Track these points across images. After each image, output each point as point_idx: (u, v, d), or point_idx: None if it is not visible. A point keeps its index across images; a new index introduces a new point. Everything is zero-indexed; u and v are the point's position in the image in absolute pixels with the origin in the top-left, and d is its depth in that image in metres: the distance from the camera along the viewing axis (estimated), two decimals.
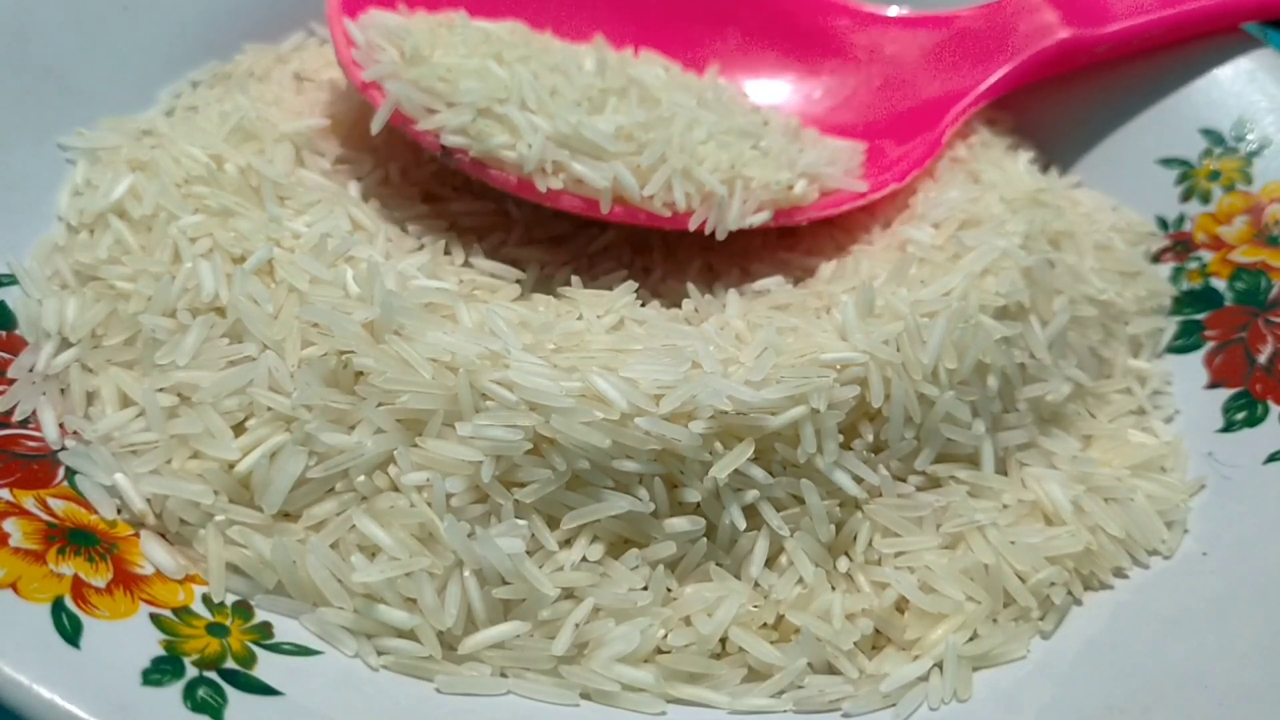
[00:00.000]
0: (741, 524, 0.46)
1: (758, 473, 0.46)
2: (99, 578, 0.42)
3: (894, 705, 0.44)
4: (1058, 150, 0.67)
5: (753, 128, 0.60)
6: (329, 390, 0.46)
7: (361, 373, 0.46)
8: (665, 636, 0.44)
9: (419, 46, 0.56)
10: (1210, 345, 0.58)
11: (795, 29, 0.69)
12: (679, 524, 0.45)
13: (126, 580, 0.42)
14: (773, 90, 0.70)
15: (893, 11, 0.70)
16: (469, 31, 0.59)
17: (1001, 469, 0.50)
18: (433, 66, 0.55)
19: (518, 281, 0.55)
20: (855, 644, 0.45)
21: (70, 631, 0.39)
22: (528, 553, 0.44)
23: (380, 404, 0.45)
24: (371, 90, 0.56)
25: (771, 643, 0.45)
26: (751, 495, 0.46)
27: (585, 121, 0.54)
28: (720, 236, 0.56)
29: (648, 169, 0.55)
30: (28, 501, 0.44)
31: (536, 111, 0.55)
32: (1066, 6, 0.64)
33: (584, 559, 0.44)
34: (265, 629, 0.43)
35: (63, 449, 0.46)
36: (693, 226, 0.56)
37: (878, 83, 0.68)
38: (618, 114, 0.57)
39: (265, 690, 0.40)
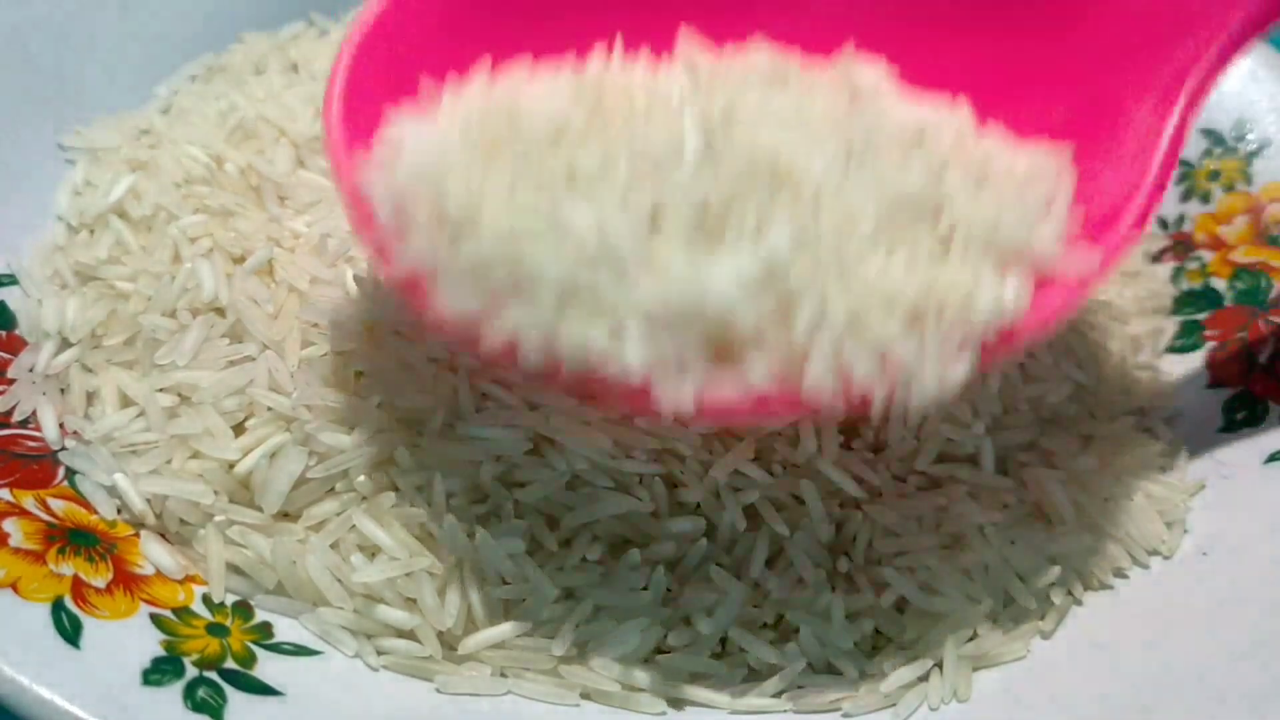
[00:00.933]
0: (741, 524, 0.46)
1: (757, 473, 0.46)
2: (99, 578, 0.42)
3: (894, 705, 0.44)
4: None
5: (928, 189, 0.42)
6: (329, 390, 0.46)
7: (361, 372, 0.46)
8: (665, 636, 0.44)
9: (465, 203, 0.38)
10: (1210, 345, 0.58)
11: None
12: (679, 524, 0.45)
13: (126, 580, 0.42)
14: (910, 48, 0.49)
15: None
16: (526, 138, 0.41)
17: (1001, 469, 0.50)
18: (487, 236, 0.38)
19: None
20: (855, 644, 0.45)
21: (70, 631, 0.39)
22: (528, 553, 0.44)
23: (380, 403, 0.45)
24: (412, 286, 0.39)
25: (771, 643, 0.45)
26: (751, 495, 0.46)
27: (713, 282, 0.37)
28: (915, 413, 0.40)
29: (805, 339, 0.37)
30: (28, 501, 0.44)
31: (635, 270, 0.37)
32: None
33: (584, 559, 0.44)
34: (265, 629, 0.43)
35: (63, 449, 0.46)
36: (876, 410, 0.38)
37: (1053, 24, 0.49)
38: (742, 238, 0.38)
39: (265, 690, 0.40)
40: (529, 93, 0.44)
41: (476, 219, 0.38)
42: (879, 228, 0.40)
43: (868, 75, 0.48)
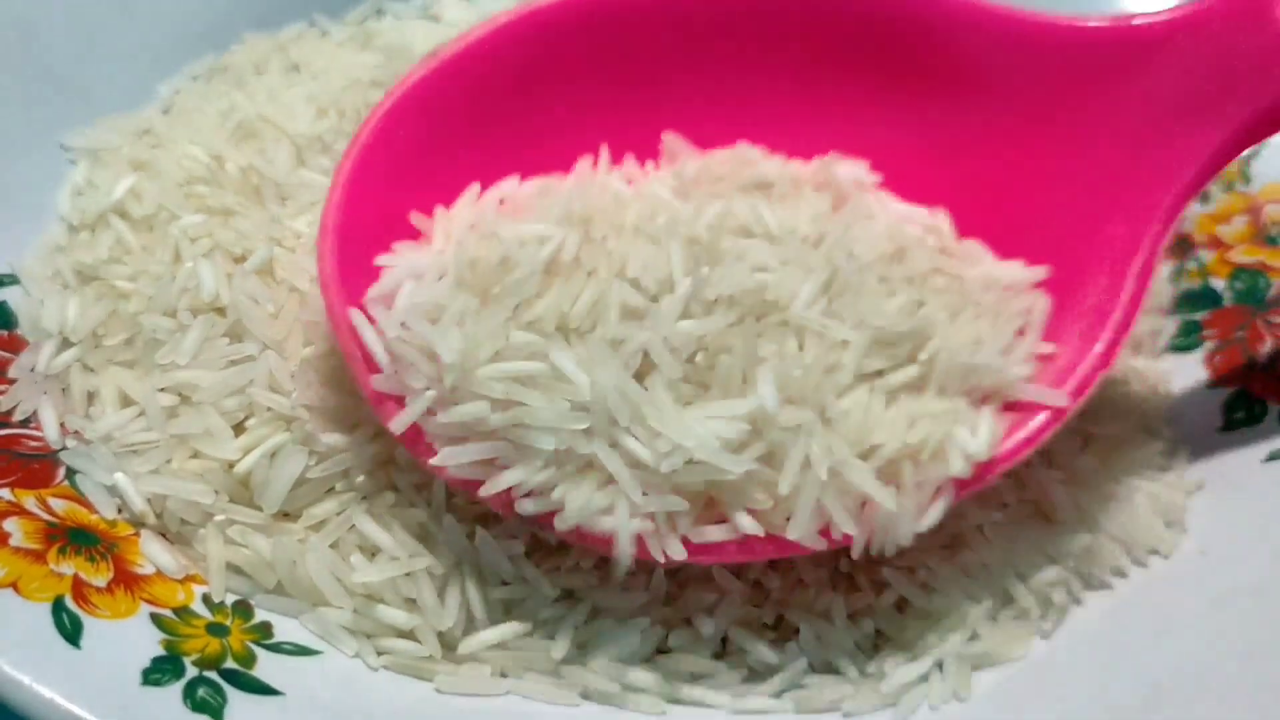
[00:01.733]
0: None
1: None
2: (99, 577, 0.42)
3: (894, 705, 0.44)
4: None
5: (906, 322, 0.43)
6: (329, 390, 0.46)
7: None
8: (665, 636, 0.44)
9: (460, 359, 0.40)
10: (1209, 345, 0.58)
11: (907, 47, 0.50)
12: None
13: (127, 580, 0.42)
14: (886, 148, 0.51)
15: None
16: (517, 279, 0.42)
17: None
18: (480, 390, 0.40)
19: None
20: (855, 644, 0.45)
21: (70, 631, 0.39)
22: (526, 553, 0.44)
23: None
24: (411, 437, 0.42)
25: (771, 643, 0.45)
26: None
27: (701, 440, 0.39)
28: (890, 551, 0.42)
29: (789, 496, 0.40)
30: (28, 501, 0.44)
31: (628, 427, 0.40)
32: None
33: (578, 564, 0.44)
34: (265, 629, 0.43)
35: (63, 448, 0.46)
36: (856, 553, 0.42)
37: (1032, 139, 0.49)
38: (729, 387, 0.41)
39: (265, 690, 0.40)
40: (519, 219, 0.45)
41: (471, 373, 0.40)
42: (860, 364, 0.42)
43: (850, 173, 0.50)
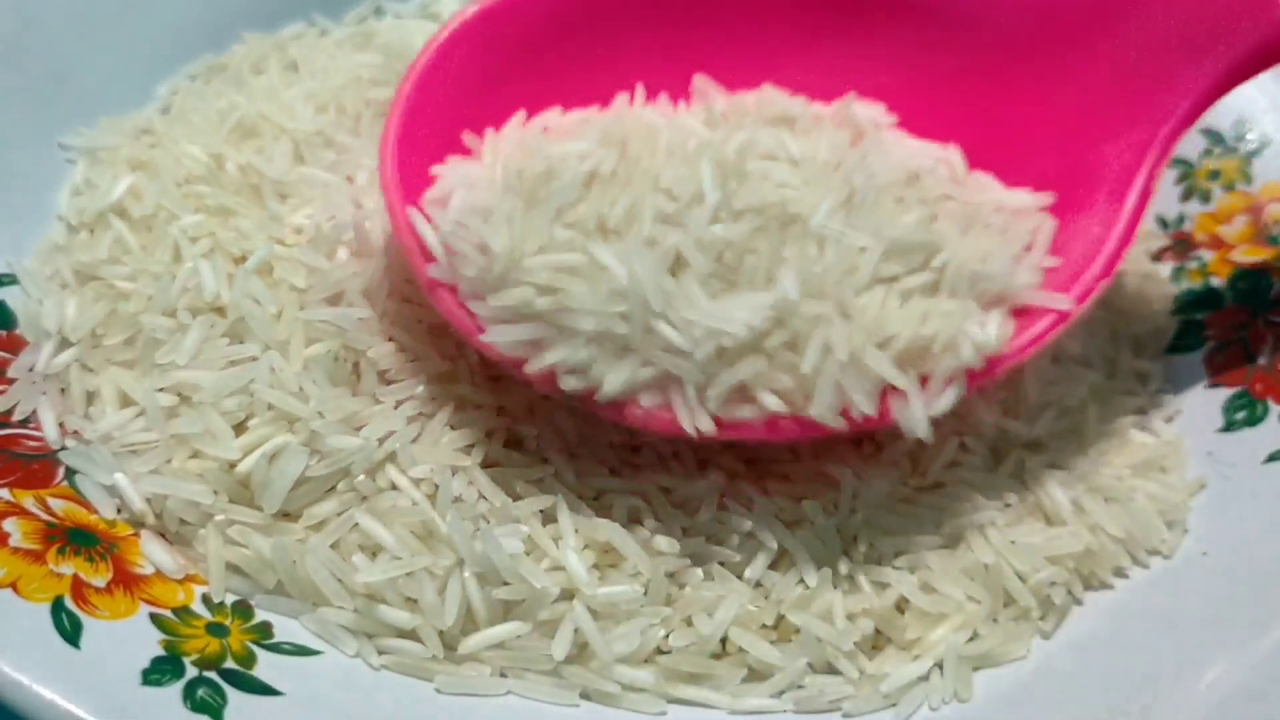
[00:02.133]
0: (745, 526, 0.46)
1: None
2: (99, 577, 0.42)
3: (894, 705, 0.44)
4: None
5: (920, 233, 0.46)
6: (332, 389, 0.46)
7: (357, 364, 0.46)
8: (666, 637, 0.44)
9: (509, 250, 0.44)
10: (1210, 345, 0.58)
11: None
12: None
13: (126, 580, 0.42)
14: (900, 89, 0.54)
15: None
16: (561, 186, 0.46)
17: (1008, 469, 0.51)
18: (527, 278, 0.43)
19: None
20: (855, 644, 0.45)
21: (70, 631, 0.39)
22: (526, 553, 0.44)
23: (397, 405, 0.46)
24: (461, 315, 0.45)
25: (771, 643, 0.45)
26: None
27: (724, 320, 0.42)
28: (918, 434, 0.44)
29: (810, 376, 0.43)
30: (28, 501, 0.44)
31: (661, 315, 0.42)
32: None
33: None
34: (265, 629, 0.43)
35: (63, 449, 0.46)
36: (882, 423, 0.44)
37: (1039, 81, 0.53)
38: (755, 283, 0.44)
39: (265, 690, 0.40)
40: (562, 139, 0.49)
41: (518, 263, 0.43)
42: (877, 268, 0.45)
43: (867, 113, 0.53)
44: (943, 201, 0.49)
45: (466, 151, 0.50)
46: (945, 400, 0.44)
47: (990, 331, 0.45)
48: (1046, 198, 0.50)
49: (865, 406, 0.43)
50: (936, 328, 0.44)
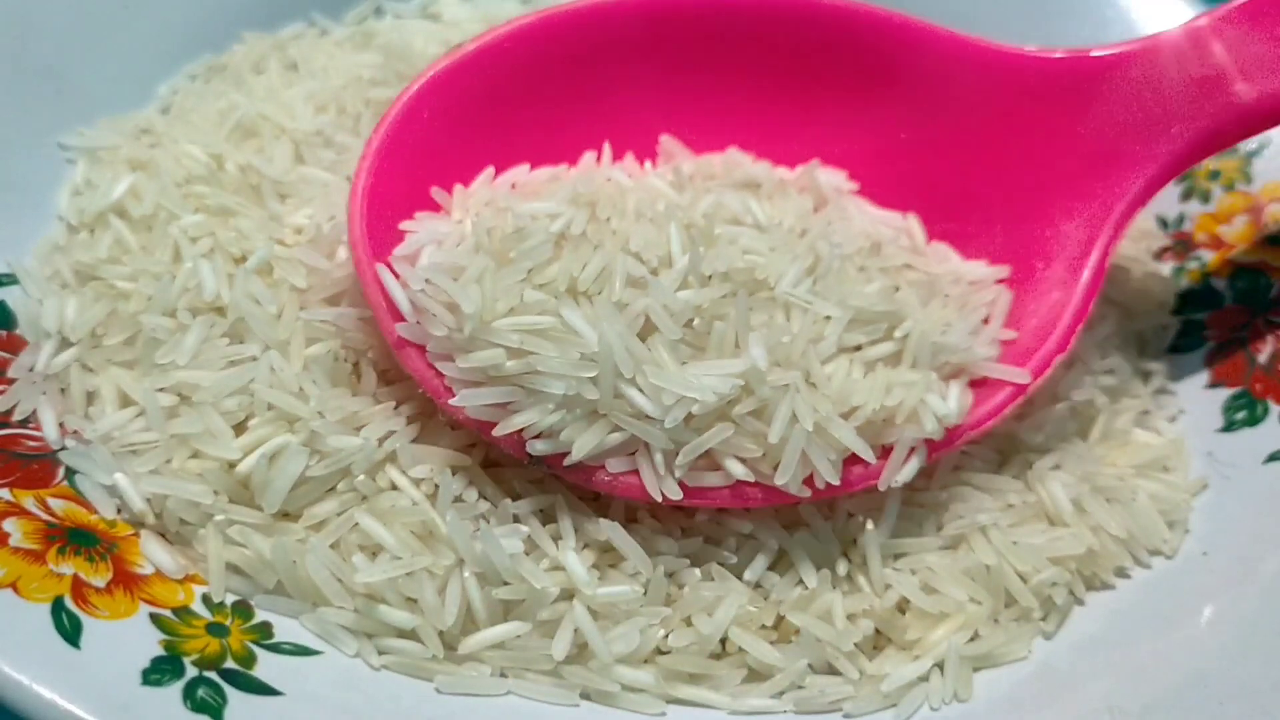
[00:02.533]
0: (745, 528, 0.46)
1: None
2: (99, 577, 0.42)
3: (895, 705, 0.44)
4: None
5: (883, 304, 0.48)
6: (332, 389, 0.46)
7: (357, 364, 0.46)
8: (666, 637, 0.44)
9: (479, 310, 0.43)
10: (1210, 345, 0.58)
11: (884, 69, 0.55)
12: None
13: (126, 580, 0.42)
14: (858, 156, 0.55)
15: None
16: (531, 246, 0.46)
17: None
18: (497, 340, 0.43)
19: None
20: (856, 644, 0.45)
21: (70, 631, 0.39)
22: (526, 554, 0.44)
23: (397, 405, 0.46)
24: (429, 376, 0.45)
25: (771, 643, 0.45)
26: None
27: (693, 388, 0.43)
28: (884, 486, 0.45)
29: (777, 446, 0.44)
30: (28, 501, 0.44)
31: (631, 379, 0.43)
32: (1238, 52, 0.50)
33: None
34: (265, 629, 0.43)
35: (63, 449, 0.46)
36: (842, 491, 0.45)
37: (998, 154, 0.54)
38: (723, 350, 0.45)
39: (265, 690, 0.40)
40: (531, 198, 0.50)
41: (489, 324, 0.43)
42: (841, 338, 0.46)
43: (830, 180, 0.55)
44: (903, 271, 0.51)
45: (435, 207, 0.50)
46: (908, 470, 0.45)
47: (951, 404, 0.46)
48: (1003, 270, 0.52)
49: (829, 476, 0.44)
50: (900, 398, 0.45)
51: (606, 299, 0.45)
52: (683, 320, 0.44)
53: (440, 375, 0.44)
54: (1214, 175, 0.62)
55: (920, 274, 0.51)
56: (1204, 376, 0.57)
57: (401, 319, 0.45)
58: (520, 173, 0.52)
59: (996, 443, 0.51)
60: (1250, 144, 0.62)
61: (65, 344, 0.48)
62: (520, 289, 0.45)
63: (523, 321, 0.44)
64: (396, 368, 0.47)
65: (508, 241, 0.46)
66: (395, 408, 0.46)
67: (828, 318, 0.46)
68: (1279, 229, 0.60)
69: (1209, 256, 0.61)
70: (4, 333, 0.49)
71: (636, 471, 0.44)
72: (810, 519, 0.47)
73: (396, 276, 0.45)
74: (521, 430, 0.43)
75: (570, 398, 0.43)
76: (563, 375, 0.43)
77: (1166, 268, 0.61)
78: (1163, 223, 0.63)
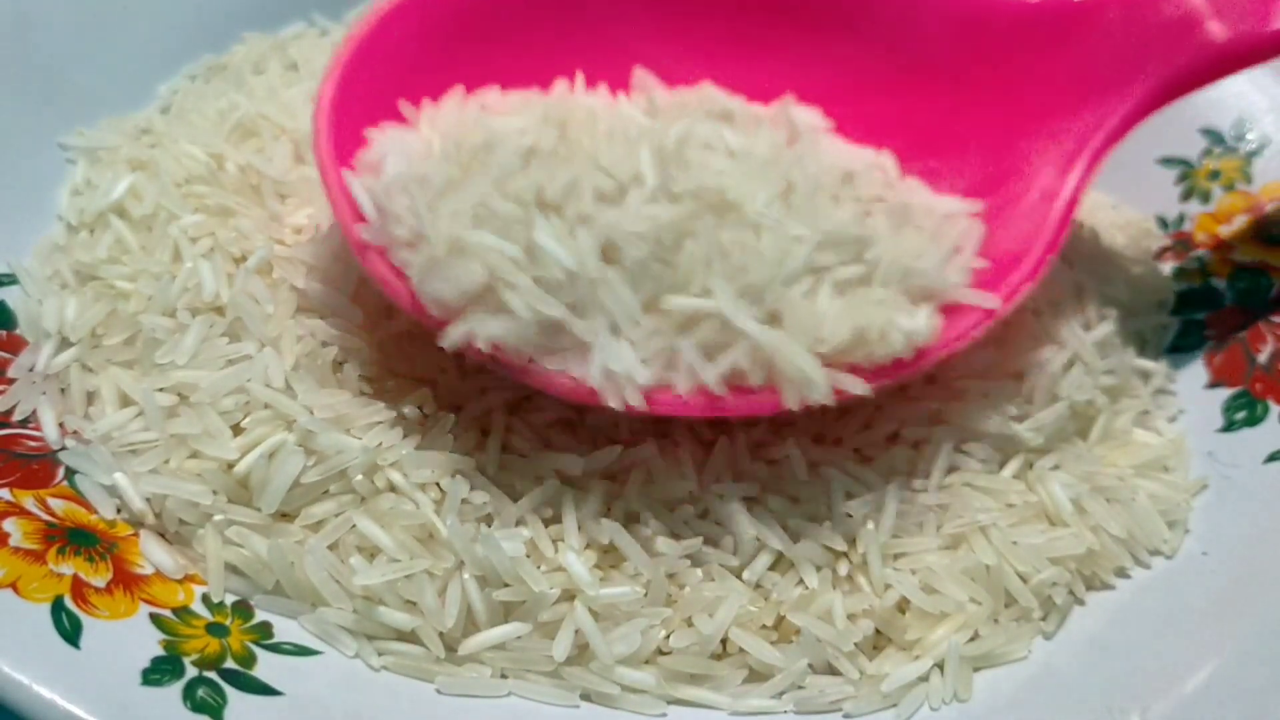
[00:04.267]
0: (749, 531, 0.46)
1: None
2: (99, 577, 0.42)
3: (895, 706, 0.44)
4: None
5: (854, 227, 0.47)
6: (328, 389, 0.46)
7: (343, 362, 0.47)
8: (666, 637, 0.44)
9: (445, 218, 0.43)
10: (1210, 345, 0.58)
11: (859, 9, 0.55)
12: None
13: (126, 580, 0.42)
14: (835, 91, 0.55)
15: None
16: (499, 158, 0.45)
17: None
18: (464, 249, 0.42)
19: None
20: (856, 644, 0.45)
21: (70, 631, 0.39)
22: (526, 555, 0.44)
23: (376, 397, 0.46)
24: (389, 277, 0.44)
25: (772, 644, 0.45)
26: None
27: (668, 304, 0.43)
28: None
29: (746, 362, 0.43)
30: (27, 501, 0.44)
31: (601, 292, 0.42)
32: None
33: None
34: (265, 629, 0.43)
35: (62, 449, 0.46)
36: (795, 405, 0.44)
37: (973, 94, 0.55)
38: (695, 271, 0.43)
39: (265, 690, 0.40)
40: (501, 116, 0.49)
41: (456, 227, 0.42)
42: (810, 268, 0.45)
43: (804, 116, 0.54)
44: (876, 202, 0.51)
45: (403, 121, 0.49)
46: (857, 386, 0.44)
47: (920, 321, 0.45)
48: (976, 205, 0.52)
49: (800, 394, 0.43)
50: (869, 318, 0.44)
51: (574, 214, 0.43)
52: (651, 238, 0.43)
53: (403, 278, 0.44)
54: (1214, 175, 0.62)
55: (892, 204, 0.50)
56: (1204, 376, 0.57)
57: (364, 221, 0.44)
58: (491, 94, 0.52)
59: (996, 442, 0.50)
60: (1250, 144, 0.62)
61: (65, 344, 0.48)
62: (488, 198, 0.43)
63: (492, 242, 0.42)
64: (386, 367, 0.47)
65: (476, 153, 0.45)
66: (395, 408, 0.46)
67: (797, 238, 0.45)
68: (1279, 229, 0.60)
69: (1209, 256, 0.61)
70: (4, 333, 0.49)
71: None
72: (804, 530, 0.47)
73: (362, 180, 0.45)
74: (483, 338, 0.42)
75: (535, 314, 0.42)
76: (531, 305, 0.42)
77: (1166, 268, 0.61)
78: (1163, 223, 0.63)
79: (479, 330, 0.42)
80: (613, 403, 0.42)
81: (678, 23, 0.55)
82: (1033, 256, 0.49)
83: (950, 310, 0.47)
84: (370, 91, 0.48)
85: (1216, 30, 0.51)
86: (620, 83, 0.55)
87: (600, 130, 0.49)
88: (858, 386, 0.44)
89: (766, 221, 0.45)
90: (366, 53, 0.49)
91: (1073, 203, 0.51)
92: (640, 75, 0.55)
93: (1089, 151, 0.51)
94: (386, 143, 0.47)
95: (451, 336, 0.42)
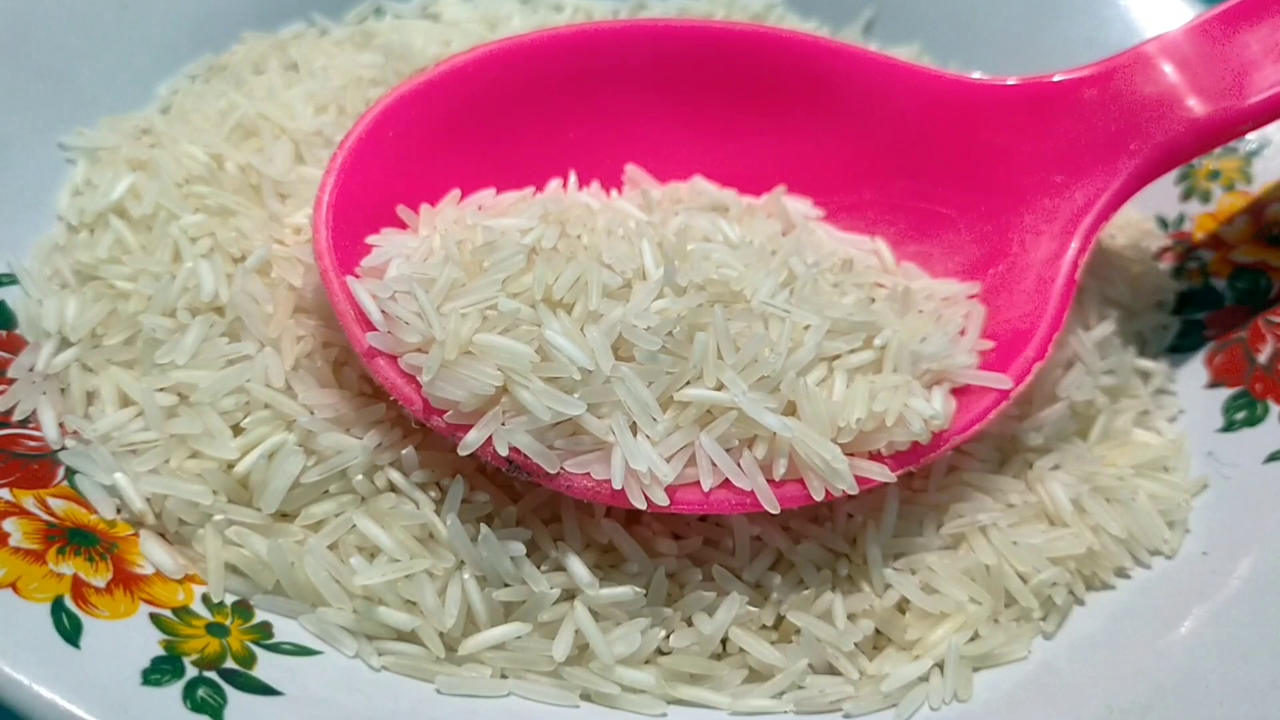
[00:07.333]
0: (750, 532, 0.46)
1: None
2: (99, 577, 0.42)
3: (895, 705, 0.44)
4: None
5: (861, 314, 0.47)
6: (327, 389, 0.46)
7: (343, 363, 0.46)
8: (667, 637, 0.44)
9: (453, 320, 0.43)
10: (1210, 345, 0.58)
11: (847, 98, 0.56)
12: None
13: (126, 580, 0.42)
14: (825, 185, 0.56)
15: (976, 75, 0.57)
16: (504, 257, 0.45)
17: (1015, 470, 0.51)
18: (475, 351, 0.42)
19: None
20: (856, 644, 0.45)
21: (70, 631, 0.39)
22: (527, 555, 0.44)
23: (375, 398, 0.45)
24: (400, 384, 0.44)
25: (772, 644, 0.45)
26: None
27: (684, 397, 0.43)
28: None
29: (767, 456, 0.43)
30: (28, 501, 0.44)
31: (617, 390, 0.42)
32: (1192, 72, 0.53)
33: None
34: (265, 629, 0.43)
35: (63, 448, 0.46)
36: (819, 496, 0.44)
37: (959, 176, 0.55)
38: (708, 363, 0.44)
39: (265, 690, 0.40)
40: (500, 216, 0.49)
41: (465, 329, 0.42)
42: (821, 357, 0.46)
43: (797, 206, 0.55)
44: (876, 288, 0.51)
45: (400, 224, 0.49)
46: (881, 474, 0.45)
47: (937, 405, 0.46)
48: (974, 286, 0.53)
49: (820, 487, 0.43)
50: (886, 404, 0.44)
51: (582, 312, 0.43)
52: (662, 331, 0.43)
53: (414, 383, 0.43)
54: (1214, 175, 0.62)
55: (893, 290, 0.51)
56: (1204, 376, 0.57)
57: (371, 328, 0.44)
58: (486, 196, 0.52)
59: (996, 443, 0.51)
60: (1250, 144, 0.62)
61: (65, 344, 0.48)
62: (495, 298, 0.43)
63: (501, 343, 0.42)
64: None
65: (479, 253, 0.45)
66: (395, 408, 0.46)
67: (806, 327, 0.46)
68: (1279, 229, 0.60)
69: (1209, 256, 0.61)
70: (4, 333, 0.49)
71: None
72: (803, 529, 0.47)
73: (365, 284, 0.44)
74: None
75: (551, 415, 0.42)
76: (549, 406, 0.41)
77: (1166, 268, 0.61)
78: (1163, 223, 0.63)
79: (497, 436, 0.42)
80: (636, 503, 0.42)
81: (666, 119, 0.56)
82: (1039, 335, 0.50)
83: (962, 392, 0.48)
84: (367, 194, 0.48)
85: (1196, 106, 0.52)
86: (612, 179, 0.55)
87: (599, 226, 0.49)
88: (883, 475, 0.44)
89: (774, 311, 0.46)
90: (362, 153, 0.49)
91: (1071, 281, 0.51)
92: (633, 171, 0.55)
93: (1083, 230, 0.52)
94: (388, 248, 0.47)
95: (469, 442, 0.42)
